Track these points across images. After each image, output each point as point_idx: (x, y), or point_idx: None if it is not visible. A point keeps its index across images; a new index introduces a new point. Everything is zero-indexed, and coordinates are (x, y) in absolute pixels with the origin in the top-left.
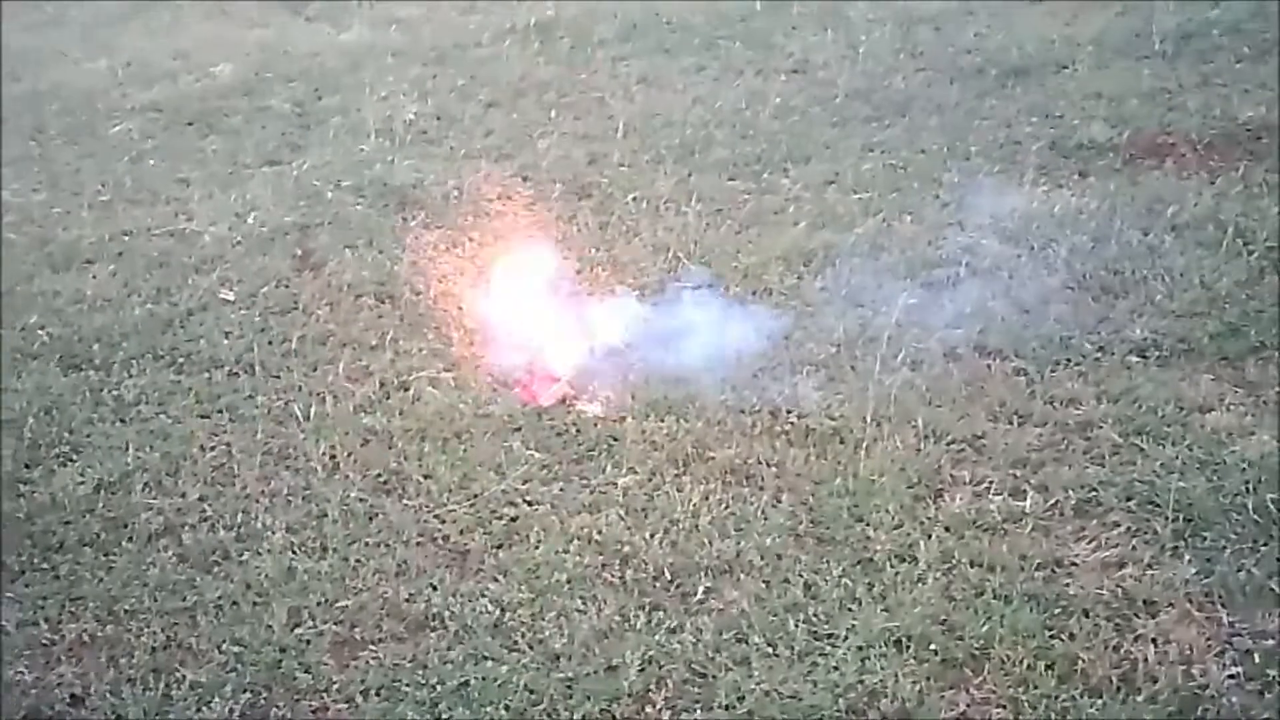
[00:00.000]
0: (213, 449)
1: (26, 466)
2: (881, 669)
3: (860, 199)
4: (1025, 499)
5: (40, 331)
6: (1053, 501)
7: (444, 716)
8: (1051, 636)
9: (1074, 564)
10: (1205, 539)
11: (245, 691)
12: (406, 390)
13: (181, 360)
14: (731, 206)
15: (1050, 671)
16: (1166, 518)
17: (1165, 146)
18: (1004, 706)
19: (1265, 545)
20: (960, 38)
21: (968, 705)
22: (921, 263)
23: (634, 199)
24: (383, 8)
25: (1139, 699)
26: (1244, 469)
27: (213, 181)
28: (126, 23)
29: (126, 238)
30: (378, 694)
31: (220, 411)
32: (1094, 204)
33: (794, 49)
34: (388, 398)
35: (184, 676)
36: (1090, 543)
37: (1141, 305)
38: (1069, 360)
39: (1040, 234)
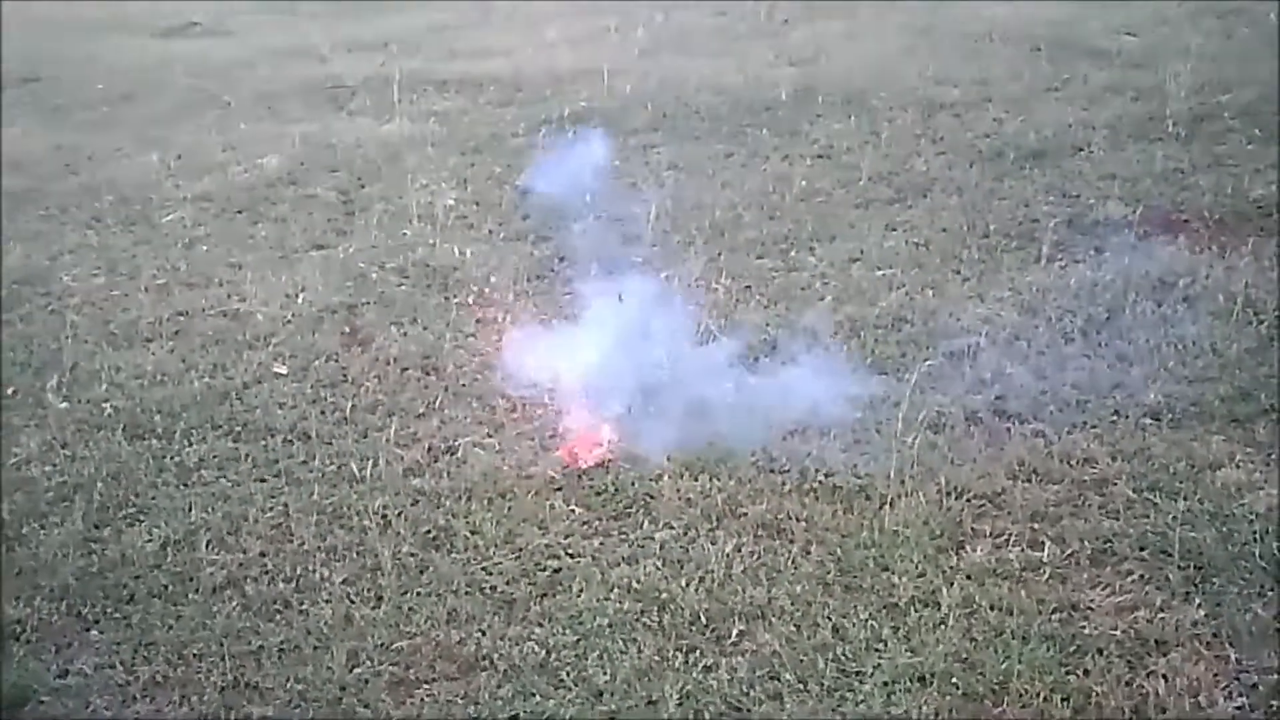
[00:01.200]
0: (271, 510)
1: (96, 527)
2: (906, 702)
3: (883, 275)
4: (1043, 549)
5: (105, 404)
6: (1069, 552)
7: None
8: (1067, 672)
9: (1089, 608)
10: (1214, 584)
11: None
12: (453, 454)
13: (239, 429)
14: (760, 284)
15: (1066, 704)
16: (1178, 566)
17: (1178, 223)
18: None
19: (1271, 590)
20: (979, 123)
21: None
22: (942, 333)
23: (666, 277)
24: (422, 101)
25: None
26: (1252, 520)
27: (263, 265)
28: (177, 121)
29: (183, 318)
30: None
31: (277, 475)
32: (1109, 277)
33: (819, 135)
34: (435, 461)
35: (252, 713)
36: (1105, 589)
37: (1155, 371)
38: (1085, 423)
39: (1057, 306)
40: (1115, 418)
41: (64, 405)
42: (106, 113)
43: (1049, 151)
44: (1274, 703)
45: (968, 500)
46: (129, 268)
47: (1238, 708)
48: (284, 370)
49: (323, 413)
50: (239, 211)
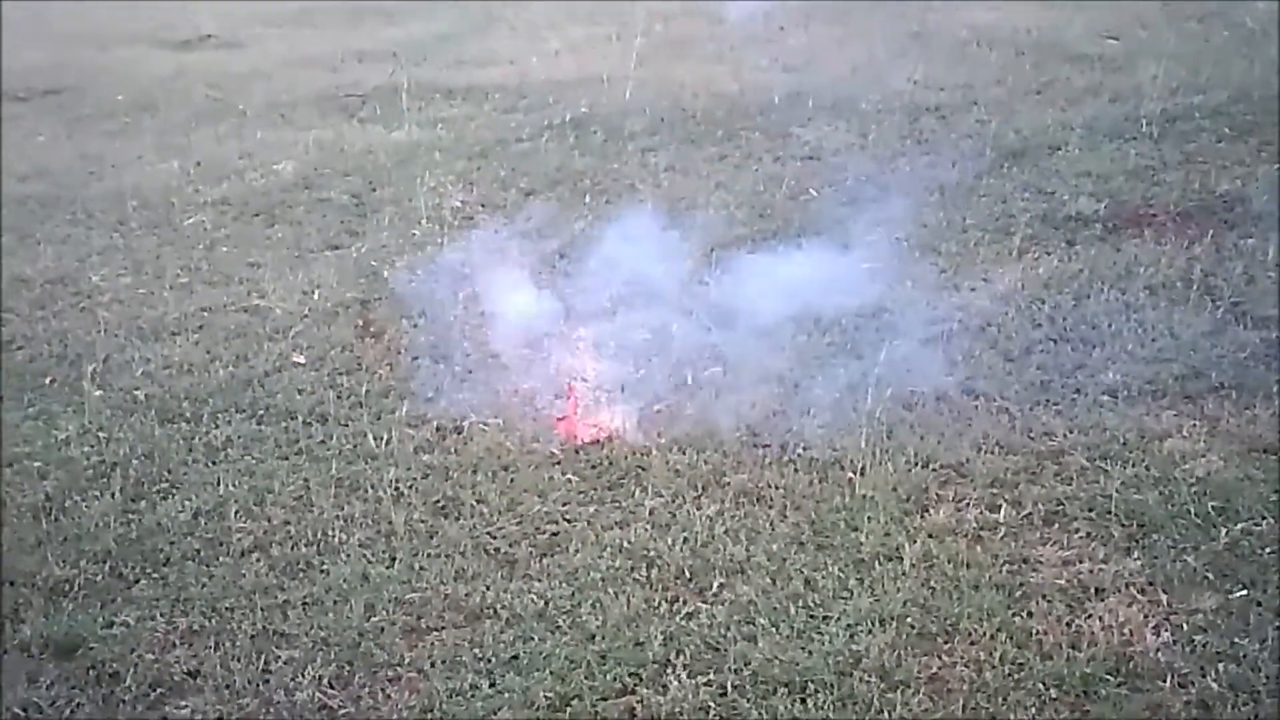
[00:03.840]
0: (293, 483)
1: (133, 499)
2: (867, 641)
3: (866, 268)
4: (1000, 512)
5: (137, 391)
6: (1024, 514)
7: (499, 681)
8: (1013, 615)
9: (1039, 561)
10: (1152, 539)
11: (332, 664)
12: (460, 433)
13: (261, 412)
14: (750, 277)
15: (1010, 640)
16: (1121, 524)
17: (1146, 217)
18: (968, 666)
19: (1205, 544)
20: (963, 124)
21: (939, 667)
22: (918, 321)
23: (662, 272)
24: (430, 109)
25: (1081, 657)
26: (1193, 484)
27: (281, 264)
28: (195, 129)
29: (206, 313)
30: (444, 665)
31: (298, 453)
32: (1078, 268)
33: (809, 138)
34: (444, 439)
35: (279, 655)
36: (1053, 545)
37: (1115, 353)
38: (1048, 400)
39: (1027, 295)
40: (1075, 395)
41: (99, 393)
42: (127, 122)
43: (1028, 151)
44: (1196, 639)
45: (934, 469)
46: (154, 268)
47: (1163, 643)
48: (302, 360)
49: (339, 397)
50: (256, 215)
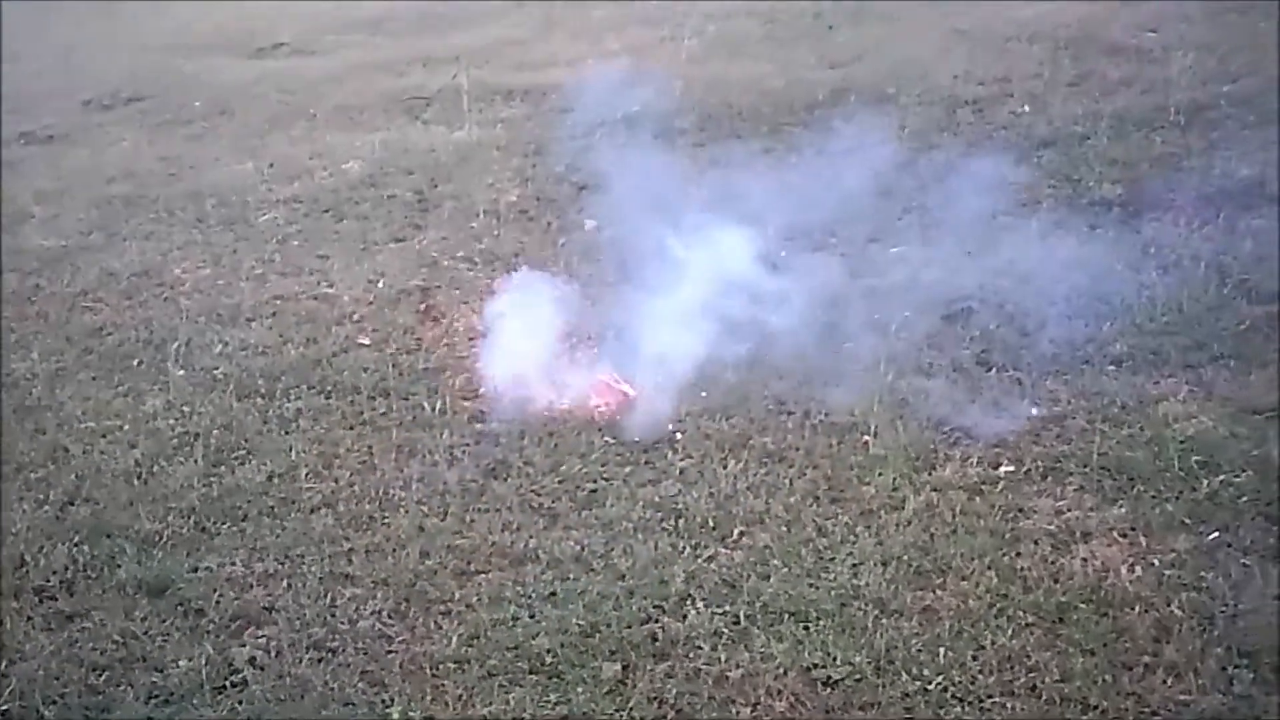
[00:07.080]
0: (357, 450)
1: (213, 465)
2: (867, 577)
3: (896, 251)
4: (1000, 468)
5: (216, 371)
6: (1024, 470)
7: (537, 614)
8: (1003, 555)
9: (1033, 511)
10: (1139, 490)
11: (390, 600)
12: (511, 403)
13: (329, 388)
14: (786, 261)
15: (997, 576)
16: (1111, 477)
17: (1167, 202)
18: (956, 598)
19: (1186, 493)
20: (997, 116)
21: (931, 600)
22: (942, 300)
23: (701, 258)
24: (490, 109)
25: (1059, 589)
26: (1182, 441)
27: (348, 256)
28: (268, 132)
29: (278, 301)
30: (489, 601)
31: (363, 423)
32: (1097, 249)
33: (850, 131)
34: (495, 409)
35: (344, 592)
36: (1048, 497)
37: (1125, 327)
38: (1057, 370)
39: (1046, 274)
40: (1084, 365)
41: (181, 372)
42: (205, 126)
43: (1058, 140)
44: (1166, 574)
45: (944, 431)
46: (231, 260)
47: (1136, 578)
48: (367, 341)
49: (400, 374)
50: (325, 211)
